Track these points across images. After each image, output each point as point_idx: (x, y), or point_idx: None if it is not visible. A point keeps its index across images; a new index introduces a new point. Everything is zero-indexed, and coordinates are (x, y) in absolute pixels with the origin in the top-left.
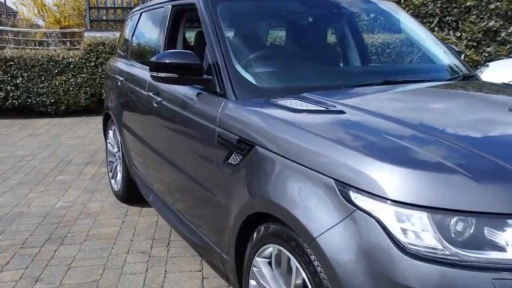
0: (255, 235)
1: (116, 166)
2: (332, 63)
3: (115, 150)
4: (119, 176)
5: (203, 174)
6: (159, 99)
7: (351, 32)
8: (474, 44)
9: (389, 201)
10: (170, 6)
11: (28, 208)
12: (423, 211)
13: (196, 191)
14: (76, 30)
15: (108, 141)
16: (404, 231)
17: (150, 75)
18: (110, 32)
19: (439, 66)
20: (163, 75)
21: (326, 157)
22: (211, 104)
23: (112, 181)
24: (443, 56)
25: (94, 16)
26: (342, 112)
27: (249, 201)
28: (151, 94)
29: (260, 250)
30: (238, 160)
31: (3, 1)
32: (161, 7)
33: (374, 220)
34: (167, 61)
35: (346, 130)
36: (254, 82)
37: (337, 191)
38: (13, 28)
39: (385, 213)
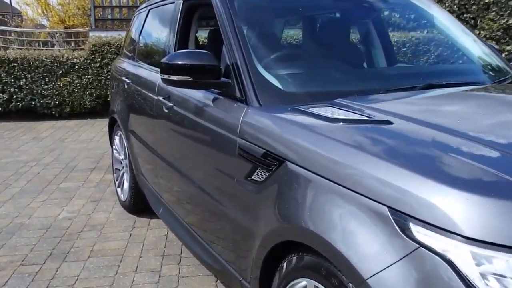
0: (285, 265)
1: (122, 174)
2: (366, 64)
3: (122, 157)
4: (126, 185)
5: (221, 190)
6: (170, 104)
7: (383, 30)
8: (493, 42)
9: (463, 239)
10: (182, 2)
11: (30, 219)
12: (509, 252)
13: (213, 209)
14: (81, 29)
15: (114, 147)
16: (483, 276)
17: (161, 78)
18: (116, 31)
19: (483, 67)
20: (175, 78)
21: (377, 180)
22: (231, 111)
23: (119, 190)
24: (486, 56)
25: (99, 15)
26: (388, 122)
27: (279, 227)
28: (161, 98)
29: (291, 284)
30: (264, 177)
31: (8, 1)
32: (171, 3)
33: (443, 262)
34: (180, 63)
35: (398, 145)
36: (280, 86)
37: (393, 222)
38: (16, 29)
39: (459, 253)
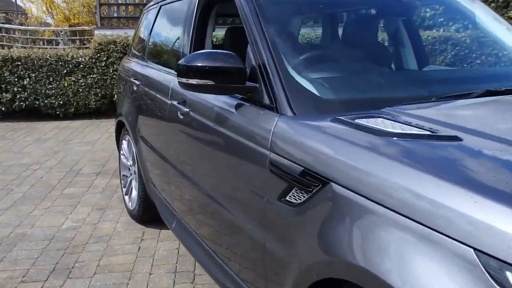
0: None
1: (130, 181)
2: (411, 66)
3: (130, 163)
4: (134, 193)
5: (248, 210)
6: (185, 109)
7: (426, 29)
8: None
9: None
10: None
11: (32, 228)
12: None
13: (237, 230)
14: (86, 28)
15: (121, 152)
16: None
17: (178, 82)
18: (122, 29)
19: None
20: (194, 82)
21: (459, 215)
22: (259, 120)
23: (126, 198)
24: None
25: (105, 13)
26: (457, 138)
27: (322, 260)
28: (175, 103)
29: None
30: (302, 199)
31: (14, 0)
32: None
33: None
34: (200, 65)
35: (478, 169)
36: (316, 92)
37: (482, 268)
38: (20, 27)
39: None
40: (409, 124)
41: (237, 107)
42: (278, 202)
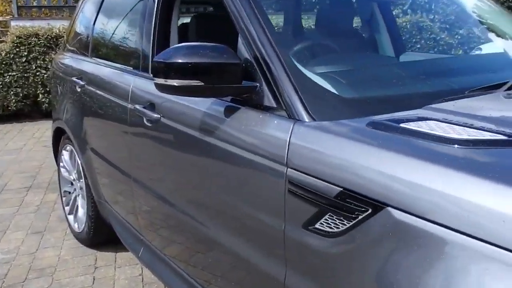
0: None
1: (75, 198)
2: (434, 53)
3: (73, 177)
4: (82, 212)
5: (258, 241)
6: (155, 115)
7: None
8: None
9: None
10: None
11: None
12: None
13: (243, 265)
14: (0, 18)
15: (61, 164)
16: None
17: (155, 84)
18: (44, 20)
19: None
20: (176, 84)
21: None
22: (266, 128)
23: (70, 218)
24: None
25: (23, 1)
26: None
27: None
28: (138, 107)
29: None
30: (342, 227)
31: None
32: None
33: None
34: (183, 61)
35: None
36: (334, 91)
37: None
38: None
39: None
40: (471, 126)
41: (230, 111)
42: (304, 230)
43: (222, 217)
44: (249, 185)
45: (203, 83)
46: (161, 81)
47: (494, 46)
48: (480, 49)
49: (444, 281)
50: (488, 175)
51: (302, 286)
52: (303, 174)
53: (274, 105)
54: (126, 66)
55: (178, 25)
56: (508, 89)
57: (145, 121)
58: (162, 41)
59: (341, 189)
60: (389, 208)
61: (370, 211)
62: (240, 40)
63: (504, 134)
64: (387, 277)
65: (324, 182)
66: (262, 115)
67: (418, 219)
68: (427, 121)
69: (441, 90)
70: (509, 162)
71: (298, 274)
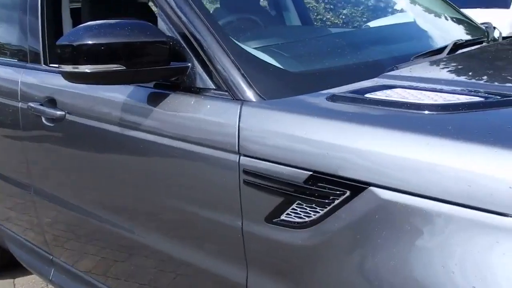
0: None
1: None
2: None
3: None
4: None
5: (210, 245)
6: (59, 112)
7: None
8: None
9: None
10: None
11: None
12: None
13: (191, 274)
14: None
15: None
16: None
17: (61, 73)
18: None
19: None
20: (88, 70)
21: None
22: (206, 114)
23: None
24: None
25: None
26: None
27: None
28: (33, 105)
29: None
30: (315, 216)
31: None
32: None
33: None
34: (97, 42)
35: None
36: (280, 66)
37: None
38: None
39: None
40: (441, 91)
41: (157, 98)
42: (267, 224)
43: (160, 223)
44: (193, 181)
45: (124, 67)
46: (68, 68)
47: (404, 16)
48: (391, 19)
49: (446, 259)
50: (482, 140)
51: (267, 285)
52: (261, 161)
53: (213, 86)
54: (9, 59)
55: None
56: (449, 53)
57: (44, 120)
58: (53, 25)
59: (311, 173)
60: (373, 188)
61: (348, 193)
62: (160, 17)
63: (480, 96)
64: (375, 266)
65: (288, 167)
66: (199, 99)
67: (409, 196)
68: (393, 89)
69: (386, 58)
70: (497, 123)
71: (262, 275)
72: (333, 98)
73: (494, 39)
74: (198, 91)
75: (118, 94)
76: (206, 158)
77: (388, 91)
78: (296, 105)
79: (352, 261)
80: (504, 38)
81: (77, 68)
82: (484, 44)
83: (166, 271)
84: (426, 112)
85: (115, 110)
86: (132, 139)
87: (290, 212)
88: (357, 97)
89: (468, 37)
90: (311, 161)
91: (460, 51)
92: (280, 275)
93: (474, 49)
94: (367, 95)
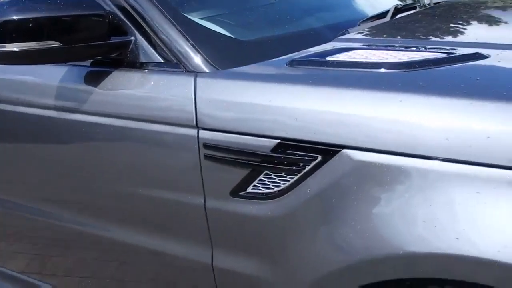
0: None
1: None
2: None
3: None
4: None
5: (169, 226)
6: None
7: None
8: None
9: None
10: None
11: None
12: None
13: (152, 260)
14: None
15: None
16: None
17: None
18: None
19: None
20: (17, 49)
21: None
22: (161, 89)
23: None
24: None
25: None
26: (481, 56)
27: (361, 261)
28: None
29: None
30: (285, 185)
31: None
32: None
33: None
34: (26, 17)
35: None
36: (231, 35)
37: None
38: None
39: None
40: (403, 50)
41: (99, 77)
42: (232, 199)
43: (117, 211)
44: (149, 162)
45: (60, 44)
46: None
47: None
48: None
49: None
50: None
51: (234, 263)
52: (222, 133)
53: (160, 60)
54: None
55: None
56: (392, 17)
57: None
58: None
59: (279, 141)
60: (347, 150)
61: (320, 158)
62: None
63: (441, 52)
64: (353, 228)
65: (253, 137)
66: (147, 75)
67: (385, 155)
68: (354, 51)
69: (334, 23)
70: (466, 76)
71: (227, 253)
72: (293, 63)
73: (426, 5)
74: (144, 66)
75: (52, 74)
76: (162, 135)
77: (349, 53)
78: (256, 73)
79: (327, 227)
80: (434, 4)
81: (3, 47)
82: (418, 9)
83: (128, 263)
84: (394, 70)
85: (50, 94)
86: (74, 124)
87: (258, 183)
88: (320, 60)
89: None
90: (279, 128)
91: (400, 15)
92: (247, 251)
93: (414, 13)
94: (329, 58)
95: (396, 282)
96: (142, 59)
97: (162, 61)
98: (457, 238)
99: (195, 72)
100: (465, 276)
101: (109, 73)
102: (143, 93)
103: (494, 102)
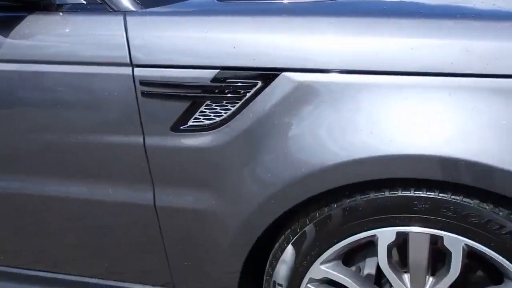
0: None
1: None
2: None
3: None
4: None
5: (108, 176)
6: None
7: None
8: None
9: None
10: None
11: None
12: None
13: (91, 208)
14: None
15: None
16: None
17: None
18: None
19: None
20: None
21: None
22: (88, 29)
23: None
24: None
25: None
26: None
27: (310, 174)
28: None
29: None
30: (226, 113)
31: None
32: None
33: None
34: None
35: None
36: None
37: None
38: None
39: None
40: None
41: (14, 22)
42: (173, 133)
43: (50, 165)
44: (81, 104)
45: None
46: None
47: None
48: None
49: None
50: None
51: (177, 199)
52: (159, 69)
53: (82, 1)
54: None
55: None
56: None
57: None
58: None
59: (218, 70)
60: (286, 73)
61: (260, 84)
62: None
63: None
64: (299, 147)
65: (191, 70)
66: (70, 17)
67: (322, 74)
68: None
69: None
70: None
71: (169, 190)
72: None
73: None
74: (64, 8)
75: None
76: (94, 77)
77: None
78: (188, 10)
79: (271, 149)
80: None
81: None
82: None
83: (64, 215)
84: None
85: None
86: None
87: (199, 115)
88: None
89: None
90: (217, 58)
91: None
92: (190, 185)
93: None
94: None
95: (339, 190)
96: (61, 0)
97: (84, 1)
98: (391, 140)
99: (123, 12)
100: (400, 173)
101: (23, 17)
102: (68, 35)
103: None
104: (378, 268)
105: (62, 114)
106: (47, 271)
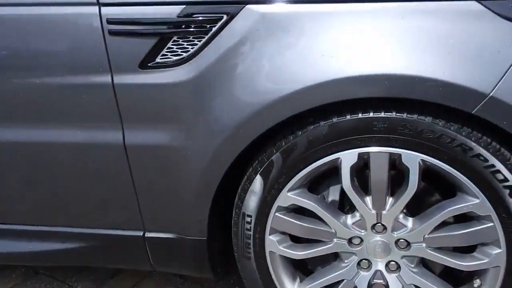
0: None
1: None
2: None
3: None
4: None
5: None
6: None
7: None
8: None
9: None
10: None
11: None
12: None
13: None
14: None
15: None
16: None
17: None
18: None
19: None
20: None
21: None
22: None
23: None
24: None
25: None
26: None
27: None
28: None
29: (301, 174)
30: (193, 48)
31: None
32: None
33: None
34: None
35: None
36: None
37: None
38: None
39: None
40: None
41: None
42: (141, 71)
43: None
44: (47, 46)
45: None
46: None
47: None
48: None
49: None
50: None
51: (146, 137)
52: (125, 7)
53: None
54: None
55: None
56: None
57: None
58: None
59: (184, 6)
60: (250, 6)
61: (225, 17)
62: None
63: None
64: (265, 74)
65: (157, 6)
66: None
67: (282, 4)
68: None
69: None
70: None
71: (139, 127)
72: None
73: None
74: None
75: None
76: (62, 17)
77: None
78: None
79: (238, 79)
80: None
81: None
82: None
83: (38, 163)
84: None
85: None
86: None
87: (166, 52)
88: None
89: None
90: None
91: None
92: (159, 122)
93: None
94: None
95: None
96: None
97: None
98: (352, 63)
99: None
100: (361, 93)
101: None
102: None
103: None
104: (341, 197)
105: (29, 56)
106: (14, 224)
